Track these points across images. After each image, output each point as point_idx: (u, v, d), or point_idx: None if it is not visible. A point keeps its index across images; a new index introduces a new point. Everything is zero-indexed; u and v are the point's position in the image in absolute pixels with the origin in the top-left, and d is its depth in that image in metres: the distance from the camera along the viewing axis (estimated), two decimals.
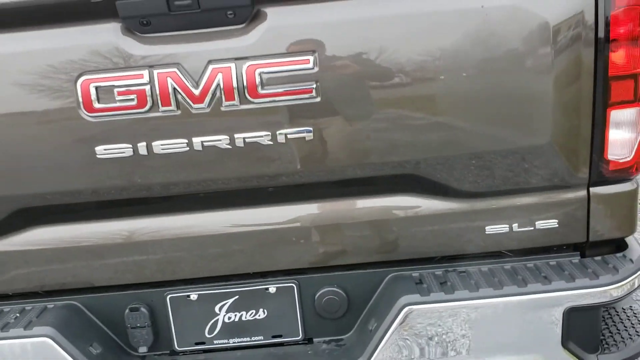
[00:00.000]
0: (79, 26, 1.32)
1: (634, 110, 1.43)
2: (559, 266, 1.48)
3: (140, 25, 1.30)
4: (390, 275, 1.51)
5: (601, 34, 1.35)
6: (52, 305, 1.53)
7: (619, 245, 1.57)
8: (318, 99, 1.33)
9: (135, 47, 1.31)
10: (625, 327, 1.60)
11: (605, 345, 1.52)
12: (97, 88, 1.31)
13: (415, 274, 1.51)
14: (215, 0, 1.27)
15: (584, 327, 1.46)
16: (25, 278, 1.52)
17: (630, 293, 1.45)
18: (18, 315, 1.50)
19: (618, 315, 1.66)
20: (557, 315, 1.41)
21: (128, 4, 1.26)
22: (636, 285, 1.46)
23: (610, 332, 1.58)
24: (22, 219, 1.47)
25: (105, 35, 1.31)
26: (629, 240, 1.60)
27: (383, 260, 1.52)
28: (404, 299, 1.41)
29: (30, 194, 1.42)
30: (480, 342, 1.44)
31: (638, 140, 1.45)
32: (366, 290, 1.53)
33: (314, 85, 1.32)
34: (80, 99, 1.32)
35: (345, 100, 1.35)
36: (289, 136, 1.35)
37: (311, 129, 1.35)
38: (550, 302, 1.41)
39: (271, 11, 1.31)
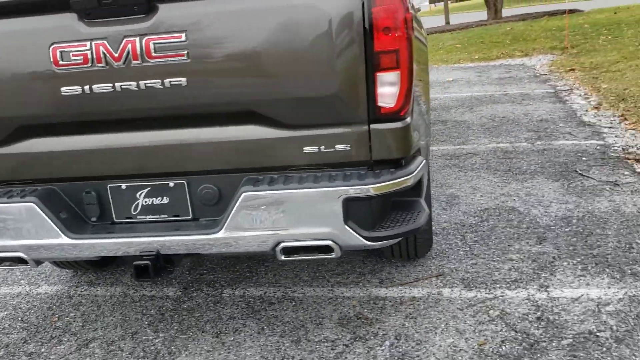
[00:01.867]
0: (55, 14, 2.22)
1: (395, 73, 2.19)
2: (350, 175, 2.27)
3: (85, 14, 2.18)
4: (245, 178, 2.35)
5: (367, 23, 2.12)
6: (39, 188, 2.46)
7: (402, 165, 2.33)
8: (189, 60, 2.17)
9: (82, 27, 2.19)
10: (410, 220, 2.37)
11: (381, 226, 2.30)
12: (61, 52, 2.21)
13: (261, 177, 2.33)
14: (126, 0, 2.14)
15: (360, 212, 2.22)
16: (24, 171, 2.44)
17: (384, 194, 2.21)
18: (19, 192, 2.44)
19: (415, 215, 2.42)
20: (339, 202, 2.20)
21: (77, 2, 2.15)
22: (390, 189, 2.22)
23: (396, 221, 2.35)
24: (23, 133, 2.38)
25: (68, 20, 2.21)
26: (413, 163, 2.36)
27: (241, 168, 2.34)
28: (243, 188, 2.25)
29: (26, 116, 2.33)
30: (292, 217, 2.23)
31: (397, 93, 2.21)
32: (231, 187, 2.35)
33: (185, 52, 2.16)
34: (51, 58, 2.22)
35: (205, 61, 2.18)
36: (172, 83, 2.20)
37: (185, 78, 2.19)
38: (333, 193, 2.20)
39: (162, 6, 2.16)
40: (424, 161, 2.47)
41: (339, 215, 2.21)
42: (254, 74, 2.19)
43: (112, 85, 2.22)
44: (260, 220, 2.26)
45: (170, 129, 2.32)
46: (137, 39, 2.17)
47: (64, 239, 2.36)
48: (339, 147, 2.26)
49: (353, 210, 2.23)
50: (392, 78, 2.19)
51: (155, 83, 2.20)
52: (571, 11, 18.59)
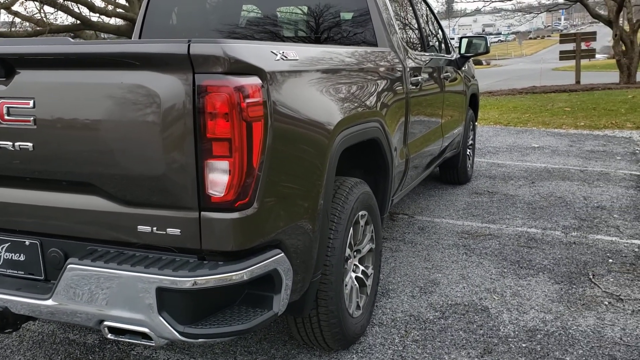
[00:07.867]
0: None
1: (226, 162, 2.05)
2: (170, 262, 2.13)
3: None
4: (88, 247, 2.30)
5: (198, 108, 2.02)
6: None
7: (241, 257, 2.16)
8: (35, 126, 2.20)
9: None
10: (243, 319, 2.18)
11: (206, 322, 2.13)
12: None
13: (99, 249, 2.27)
14: None
15: (176, 304, 2.08)
16: None
17: (199, 288, 2.05)
18: None
19: (253, 314, 2.23)
20: (152, 291, 2.08)
21: None
22: (207, 285, 2.05)
23: (228, 318, 2.18)
24: None
25: None
26: (257, 257, 2.18)
27: (85, 237, 2.30)
28: (70, 259, 2.21)
29: None
30: (111, 297, 2.14)
31: (229, 183, 2.06)
32: (75, 255, 2.31)
33: (32, 118, 2.19)
34: None
35: (50, 129, 2.19)
36: (21, 146, 2.24)
37: (31, 143, 2.22)
38: (147, 280, 2.08)
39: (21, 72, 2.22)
40: (280, 255, 2.28)
41: (152, 304, 2.09)
42: (89, 147, 2.17)
43: None
44: (82, 294, 2.19)
45: (24, 189, 2.36)
46: None
47: None
48: (170, 230, 2.15)
49: (169, 300, 2.09)
50: (223, 166, 2.06)
51: (7, 144, 2.25)
52: None
